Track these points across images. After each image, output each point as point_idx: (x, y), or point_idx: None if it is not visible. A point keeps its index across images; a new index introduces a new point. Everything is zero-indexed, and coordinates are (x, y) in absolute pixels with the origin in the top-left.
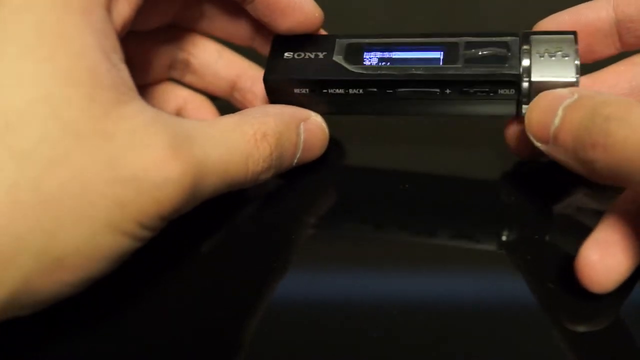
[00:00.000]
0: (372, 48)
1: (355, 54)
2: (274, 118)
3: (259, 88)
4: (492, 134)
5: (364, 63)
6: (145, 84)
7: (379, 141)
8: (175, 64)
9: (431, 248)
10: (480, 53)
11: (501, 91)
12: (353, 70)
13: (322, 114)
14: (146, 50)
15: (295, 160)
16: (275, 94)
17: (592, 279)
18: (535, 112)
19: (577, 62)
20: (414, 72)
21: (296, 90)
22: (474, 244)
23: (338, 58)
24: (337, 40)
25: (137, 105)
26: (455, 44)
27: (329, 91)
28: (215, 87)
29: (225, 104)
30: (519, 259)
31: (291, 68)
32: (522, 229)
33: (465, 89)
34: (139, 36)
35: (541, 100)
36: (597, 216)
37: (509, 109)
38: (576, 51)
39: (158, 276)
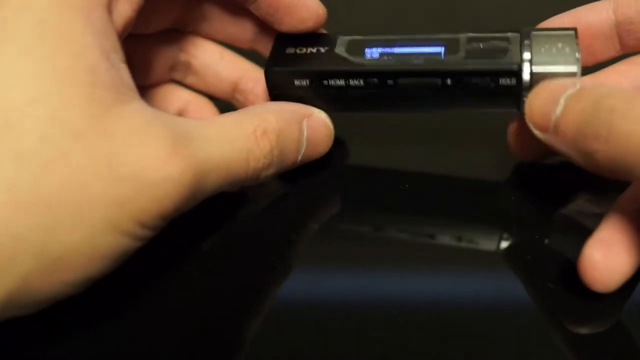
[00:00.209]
0: (374, 44)
1: (357, 48)
2: (274, 114)
3: (261, 89)
4: (492, 134)
5: (366, 56)
6: (146, 86)
7: (380, 141)
8: (177, 65)
9: (431, 248)
10: (481, 46)
11: (502, 81)
12: (354, 61)
13: (323, 111)
14: (148, 51)
15: (300, 158)
16: (277, 87)
17: (595, 278)
18: (536, 100)
19: (577, 54)
20: (415, 61)
21: (297, 82)
22: (474, 244)
23: (340, 50)
24: (339, 37)
25: (137, 105)
26: (457, 40)
27: (330, 83)
28: (217, 88)
29: (226, 106)
30: (519, 259)
31: (293, 60)
32: (522, 229)
33: (466, 79)
34: (141, 38)
35: (543, 88)
36: (598, 216)
37: (509, 103)
38: (577, 44)
39: (158, 276)
